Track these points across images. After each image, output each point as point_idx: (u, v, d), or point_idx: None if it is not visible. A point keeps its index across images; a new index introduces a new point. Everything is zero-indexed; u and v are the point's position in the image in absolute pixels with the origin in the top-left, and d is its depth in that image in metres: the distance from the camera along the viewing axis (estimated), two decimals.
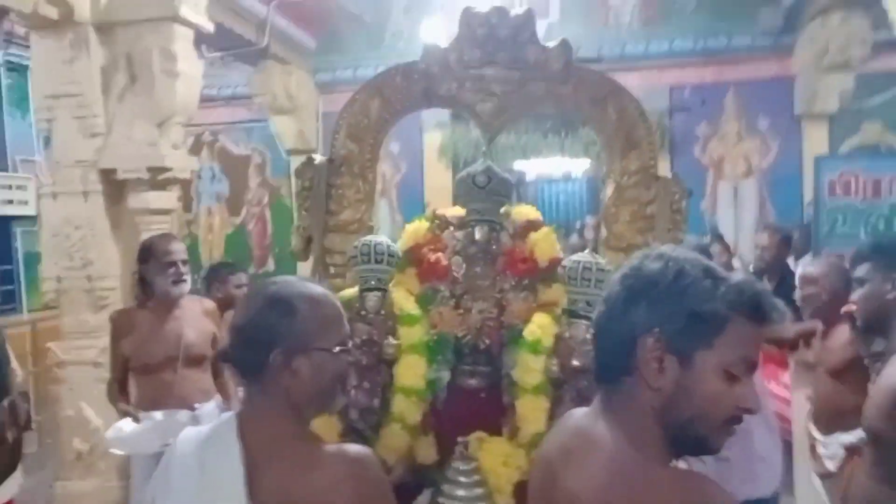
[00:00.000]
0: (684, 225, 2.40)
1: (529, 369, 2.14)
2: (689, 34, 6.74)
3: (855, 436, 2.50)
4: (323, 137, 7.46)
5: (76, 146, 4.13)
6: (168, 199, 4.31)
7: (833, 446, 2.67)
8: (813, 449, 2.86)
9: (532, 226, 2.46)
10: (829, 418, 2.75)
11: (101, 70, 4.17)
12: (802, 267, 3.01)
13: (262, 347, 1.25)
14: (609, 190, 2.48)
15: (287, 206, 7.67)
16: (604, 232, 2.54)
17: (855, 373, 2.58)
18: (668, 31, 6.80)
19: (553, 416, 2.11)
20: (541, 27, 7.21)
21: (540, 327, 2.18)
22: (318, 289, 1.34)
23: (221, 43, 5.96)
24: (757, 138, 6.83)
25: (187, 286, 3.22)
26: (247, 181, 7.77)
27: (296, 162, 7.50)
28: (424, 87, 2.54)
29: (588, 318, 2.11)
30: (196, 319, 3.23)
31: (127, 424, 3.00)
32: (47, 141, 6.19)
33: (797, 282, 2.93)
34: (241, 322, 1.29)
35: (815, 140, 6.63)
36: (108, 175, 4.13)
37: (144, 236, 4.16)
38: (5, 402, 0.92)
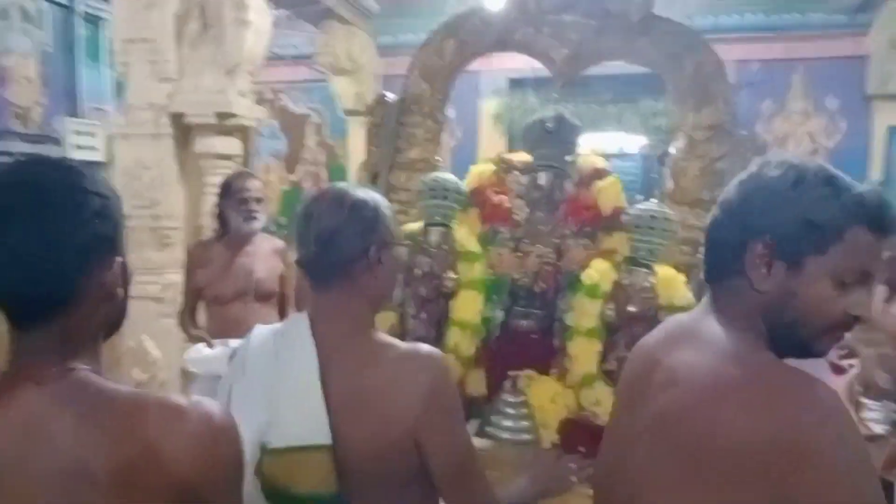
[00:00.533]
0: None
1: (585, 312, 2.17)
2: (760, 7, 6.54)
3: None
4: None
5: (149, 90, 4.29)
6: (232, 144, 4.44)
7: (883, 411, 2.64)
8: (856, 411, 2.83)
9: (598, 174, 2.47)
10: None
11: (175, 17, 4.30)
12: None
13: (357, 246, 1.32)
14: (679, 144, 2.45)
15: (342, 166, 7.79)
16: (670, 185, 2.53)
17: None
18: (738, 4, 6.61)
19: (605, 358, 2.15)
20: None
21: (598, 272, 2.20)
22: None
23: (286, 1, 6.07)
24: (824, 117, 6.63)
25: (259, 223, 3.34)
26: (304, 140, 7.91)
27: (353, 123, 7.63)
28: (501, 31, 2.56)
29: (648, 266, 2.17)
30: (267, 257, 3.37)
31: (204, 348, 3.16)
32: (120, 88, 6.45)
33: None
34: (332, 226, 1.32)
35: (886, 120, 6.39)
36: (177, 119, 4.29)
37: (208, 179, 4.34)
38: (119, 259, 1.00)
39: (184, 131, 4.36)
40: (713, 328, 1.10)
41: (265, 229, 8.05)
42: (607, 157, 10.98)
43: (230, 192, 3.25)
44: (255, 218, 3.27)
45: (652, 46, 2.44)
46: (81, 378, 0.93)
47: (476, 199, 2.49)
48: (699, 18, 6.59)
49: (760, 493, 0.92)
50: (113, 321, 1.03)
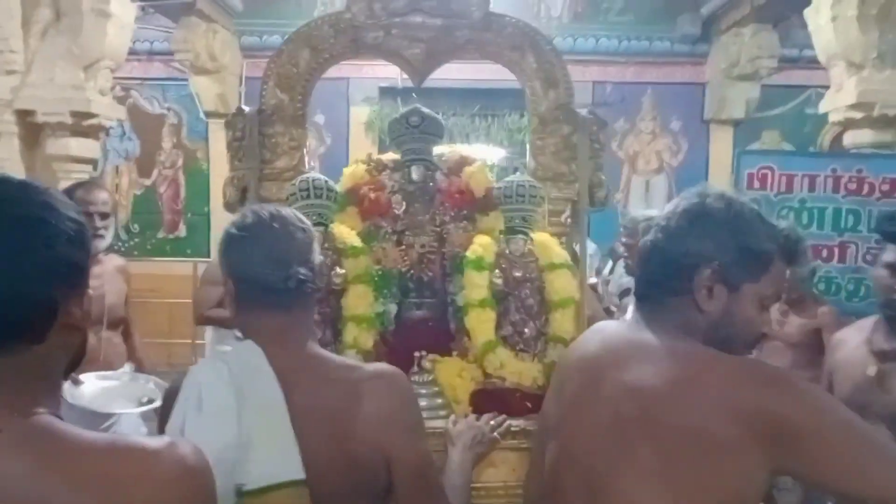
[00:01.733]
0: (602, 153, 2.58)
1: (475, 285, 2.25)
2: (614, 34, 7.04)
3: None
4: (245, 102, 7.23)
5: None
6: (90, 146, 4.09)
7: None
8: None
9: (465, 161, 2.60)
10: None
11: (21, 3, 3.88)
12: None
13: (313, 264, 1.34)
14: (534, 125, 2.66)
15: (203, 170, 7.39)
16: (531, 163, 2.72)
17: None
18: (594, 29, 7.07)
19: (500, 325, 2.26)
20: None
21: (481, 246, 2.31)
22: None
23: None
24: (669, 137, 7.25)
25: (106, 242, 3.00)
26: (160, 142, 7.40)
27: (214, 125, 7.27)
28: (353, 36, 2.63)
29: (524, 233, 2.33)
30: (113, 278, 3.08)
31: (72, 388, 2.78)
32: None
33: None
34: (286, 247, 1.30)
35: (721, 143, 7.13)
36: (24, 116, 3.87)
37: (62, 184, 3.94)
38: (90, 292, 0.90)
39: (31, 130, 3.94)
40: (659, 341, 1.19)
41: (114, 236, 7.46)
42: None
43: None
44: (101, 236, 2.91)
45: (496, 40, 2.64)
46: (44, 423, 0.84)
47: (352, 197, 2.51)
48: (559, 41, 6.96)
49: (748, 463, 1.06)
50: (75, 358, 0.94)
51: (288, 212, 1.37)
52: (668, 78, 7.18)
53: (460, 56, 2.81)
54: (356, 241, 2.33)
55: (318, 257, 1.37)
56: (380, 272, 2.34)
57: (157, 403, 2.53)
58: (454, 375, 2.19)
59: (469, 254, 2.28)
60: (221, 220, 4.80)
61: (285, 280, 1.27)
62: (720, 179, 6.73)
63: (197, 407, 1.21)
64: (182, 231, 7.40)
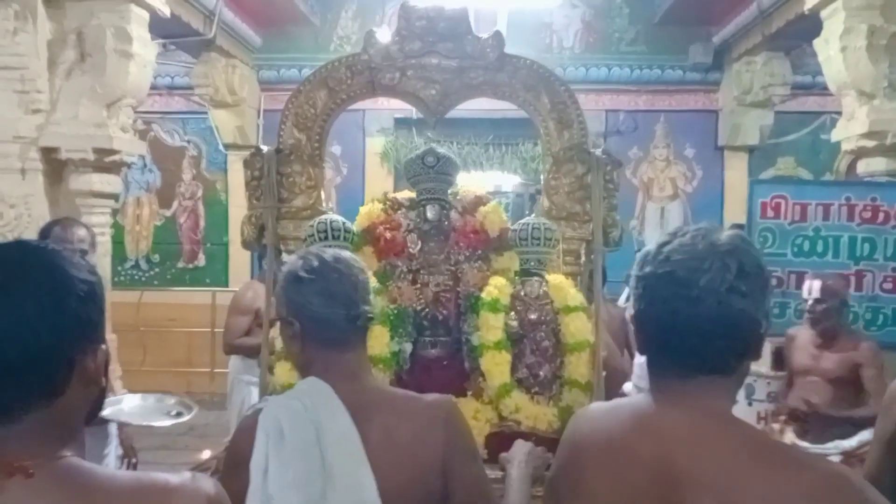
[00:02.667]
0: (616, 193, 2.63)
1: (490, 327, 2.27)
2: (626, 63, 7.10)
3: (856, 441, 2.99)
4: (263, 134, 7.36)
5: (16, 121, 3.95)
6: (112, 182, 4.18)
7: (823, 454, 2.90)
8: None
9: (480, 200, 2.63)
10: (825, 427, 3.10)
11: (48, 44, 4.01)
12: (819, 279, 3.24)
13: (370, 303, 1.43)
14: (547, 166, 2.67)
15: (222, 201, 7.51)
16: (545, 203, 2.73)
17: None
18: (606, 59, 7.14)
19: (515, 368, 2.27)
20: None
21: (497, 288, 2.34)
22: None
23: (166, 29, 5.82)
24: (683, 164, 7.26)
25: None
26: (180, 173, 7.55)
27: (233, 157, 7.41)
28: (369, 78, 2.67)
29: (540, 275, 2.36)
30: None
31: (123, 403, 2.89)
32: None
33: (810, 292, 3.21)
34: (350, 288, 1.38)
35: (736, 170, 7.13)
36: (49, 153, 3.98)
37: (85, 219, 4.04)
38: (104, 347, 0.94)
39: (55, 166, 4.04)
40: (726, 426, 1.02)
41: (135, 266, 7.55)
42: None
43: (62, 239, 2.83)
44: None
45: (510, 81, 2.65)
46: (71, 465, 0.88)
47: (368, 236, 2.56)
48: (571, 70, 7.05)
49: None
50: (94, 408, 0.98)
51: (346, 254, 1.46)
52: (680, 105, 7.22)
53: (474, 96, 2.85)
54: (373, 282, 2.32)
55: (373, 295, 1.48)
56: (395, 311, 2.38)
57: (186, 418, 2.87)
58: (469, 417, 2.15)
59: (485, 295, 2.31)
60: (240, 251, 4.87)
61: (355, 319, 1.37)
62: (736, 206, 6.72)
63: (279, 442, 1.25)
64: (201, 261, 7.50)
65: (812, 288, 3.22)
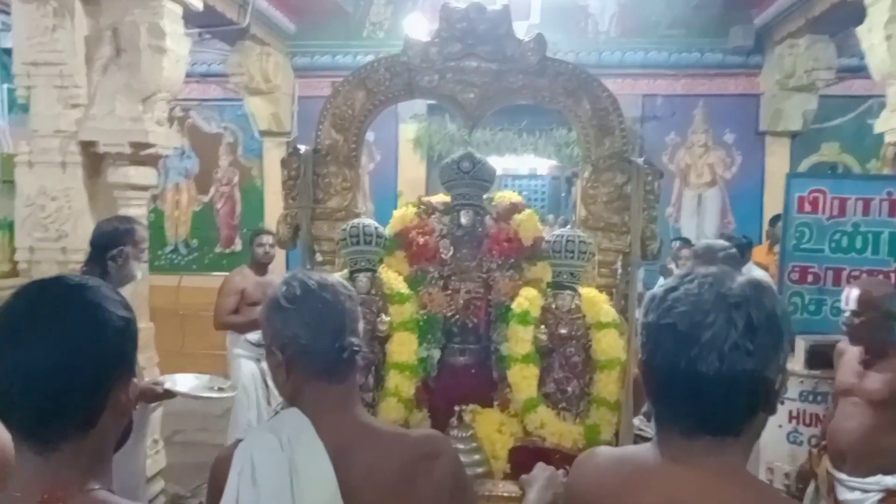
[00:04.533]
0: (656, 204, 2.55)
1: (519, 339, 2.25)
2: (664, 47, 6.94)
3: None
4: (298, 121, 7.42)
5: (56, 116, 4.05)
6: (148, 174, 4.27)
7: (862, 488, 2.66)
8: (831, 488, 2.75)
9: (515, 208, 2.58)
10: (866, 456, 2.66)
11: (85, 41, 4.09)
12: (857, 288, 2.75)
13: (362, 334, 1.35)
14: (586, 174, 2.60)
15: (258, 187, 7.62)
16: (582, 212, 2.66)
17: None
18: (643, 43, 6.98)
19: (543, 382, 2.25)
20: (521, 28, 7.34)
21: (527, 299, 2.30)
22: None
23: (201, 19, 5.88)
24: (722, 150, 7.09)
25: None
26: (217, 160, 7.67)
27: (269, 143, 7.49)
28: (407, 79, 2.63)
29: (572, 289, 2.31)
30: None
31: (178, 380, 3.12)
32: (12, 106, 6.02)
33: (847, 303, 2.75)
34: (341, 318, 1.31)
35: (777, 156, 6.94)
36: (87, 147, 4.08)
37: (122, 211, 4.14)
38: (135, 380, 0.99)
39: (94, 160, 4.14)
40: (745, 490, 0.98)
41: (175, 250, 7.75)
42: (519, 177, 11.35)
43: (134, 239, 3.06)
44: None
45: (550, 85, 2.58)
46: (101, 498, 0.92)
47: (401, 241, 2.54)
48: (607, 55, 6.92)
49: None
50: (122, 438, 1.03)
51: (334, 279, 1.37)
52: (720, 90, 7.03)
53: (514, 100, 2.77)
54: (403, 288, 2.38)
55: (361, 324, 1.37)
56: (425, 317, 2.38)
57: (231, 394, 3.40)
58: (494, 429, 2.18)
59: (515, 307, 2.28)
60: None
61: (340, 352, 1.28)
62: (776, 193, 6.54)
63: (251, 481, 1.22)
64: (238, 246, 7.63)
65: (849, 298, 2.75)
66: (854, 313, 2.72)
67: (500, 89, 2.57)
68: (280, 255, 7.09)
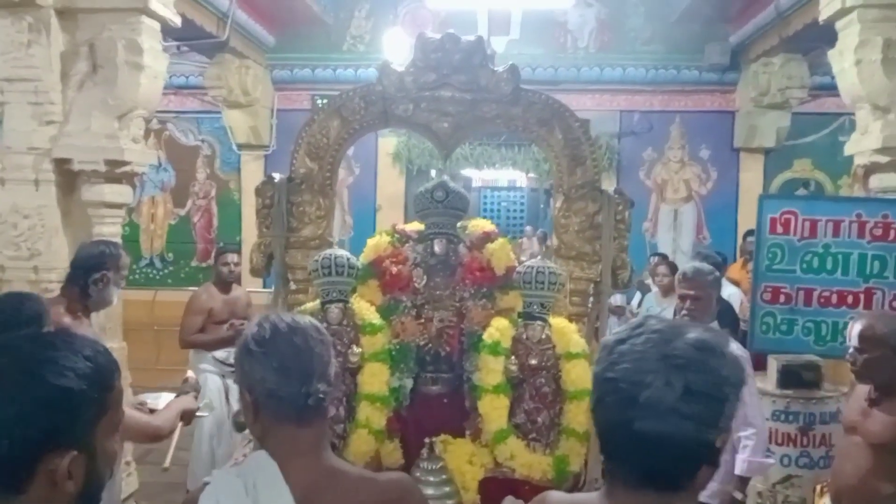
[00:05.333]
0: (627, 234, 2.59)
1: (490, 370, 2.27)
2: (641, 64, 7.03)
3: None
4: (277, 134, 7.40)
5: (30, 133, 3.99)
6: (123, 192, 4.22)
7: None
8: None
9: (488, 237, 2.61)
10: (864, 500, 2.42)
11: (61, 56, 4.05)
12: (860, 323, 2.49)
13: (332, 377, 1.34)
14: (558, 203, 2.63)
15: (235, 200, 7.57)
16: (554, 241, 2.69)
17: None
18: (621, 59, 7.07)
19: (513, 412, 2.27)
20: (501, 43, 7.35)
21: (498, 330, 2.33)
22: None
23: (179, 32, 5.84)
24: (698, 166, 7.19)
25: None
26: (194, 172, 7.61)
27: (247, 157, 7.46)
28: (382, 108, 2.65)
29: (543, 319, 2.33)
30: None
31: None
32: None
33: (852, 339, 2.49)
34: (311, 360, 1.30)
35: (752, 172, 7.05)
36: (61, 165, 4.02)
37: (97, 230, 4.10)
38: (73, 453, 0.94)
39: (68, 177, 4.09)
40: None
41: (150, 264, 7.65)
42: (498, 189, 11.41)
43: (118, 265, 3.07)
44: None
45: (524, 115, 2.61)
46: None
47: (374, 270, 2.56)
48: (586, 70, 7.00)
49: None
50: (90, 499, 1.00)
51: (306, 322, 1.36)
52: (696, 106, 7.14)
53: (487, 130, 2.79)
54: (375, 319, 2.38)
55: (333, 368, 1.36)
56: (398, 346, 2.39)
57: (207, 414, 3.17)
58: (465, 461, 2.20)
59: (486, 337, 2.30)
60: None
61: (306, 397, 1.27)
62: (751, 208, 6.63)
63: None
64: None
65: (851, 334, 2.49)
66: (858, 350, 2.46)
67: (474, 118, 2.60)
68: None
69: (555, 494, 1.23)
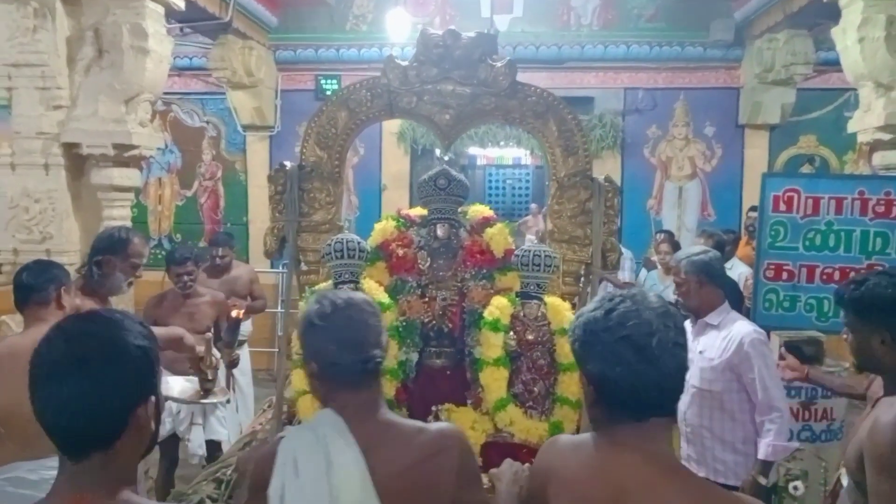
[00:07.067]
0: (616, 219, 2.82)
1: (490, 345, 2.46)
2: (645, 41, 6.99)
3: None
4: (281, 115, 7.42)
5: (38, 117, 4.05)
6: (132, 175, 4.28)
7: None
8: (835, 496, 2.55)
9: (487, 222, 2.80)
10: None
11: (67, 41, 4.08)
12: None
13: (375, 352, 1.48)
14: (552, 190, 2.79)
15: (241, 181, 7.61)
16: (549, 225, 2.85)
17: None
18: (625, 36, 7.03)
19: (512, 383, 2.46)
20: (504, 21, 7.34)
21: (498, 308, 2.51)
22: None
23: (183, 14, 5.85)
24: (702, 143, 7.18)
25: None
26: (200, 154, 7.65)
27: (252, 137, 7.48)
28: (387, 101, 2.83)
29: (539, 298, 2.51)
30: None
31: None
32: None
33: None
34: (365, 331, 1.47)
35: (757, 148, 7.04)
36: (70, 149, 4.08)
37: (106, 213, 4.16)
38: (153, 398, 1.14)
39: (77, 161, 4.15)
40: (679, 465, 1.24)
41: (158, 245, 7.73)
42: (503, 167, 11.41)
43: (126, 251, 3.03)
44: (132, 283, 3.16)
45: (520, 107, 2.79)
46: (124, 499, 1.09)
47: (382, 253, 2.75)
48: (590, 48, 6.96)
49: None
50: (146, 448, 1.16)
51: (359, 298, 1.54)
52: (701, 83, 7.11)
53: (486, 121, 2.95)
54: (384, 298, 2.55)
55: (385, 336, 1.53)
56: (404, 323, 2.56)
57: (223, 398, 3.14)
58: (467, 427, 2.34)
59: (486, 315, 2.47)
60: (260, 230, 5.14)
61: (364, 363, 1.45)
62: (755, 185, 6.63)
63: (294, 472, 1.41)
64: None
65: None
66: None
67: (474, 111, 2.77)
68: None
69: (563, 436, 1.42)
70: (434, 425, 1.56)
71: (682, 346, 1.21)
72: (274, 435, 2.36)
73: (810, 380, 3.09)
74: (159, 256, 7.69)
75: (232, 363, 3.81)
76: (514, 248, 2.68)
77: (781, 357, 3.87)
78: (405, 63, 2.75)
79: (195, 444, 4.03)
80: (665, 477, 1.17)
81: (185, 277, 4.00)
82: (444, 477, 1.44)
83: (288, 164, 2.85)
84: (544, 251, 2.51)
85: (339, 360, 1.44)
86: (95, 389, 1.04)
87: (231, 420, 4.24)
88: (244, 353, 4.74)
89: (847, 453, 2.01)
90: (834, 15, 4.24)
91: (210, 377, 2.95)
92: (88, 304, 3.04)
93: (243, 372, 4.68)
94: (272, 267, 6.99)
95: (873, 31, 3.65)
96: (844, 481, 2.21)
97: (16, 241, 4.09)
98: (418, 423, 1.57)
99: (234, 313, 3.54)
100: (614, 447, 1.22)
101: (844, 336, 2.11)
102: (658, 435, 1.22)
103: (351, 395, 1.46)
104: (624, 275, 5.94)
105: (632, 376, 1.17)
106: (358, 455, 1.39)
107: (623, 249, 5.91)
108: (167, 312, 3.97)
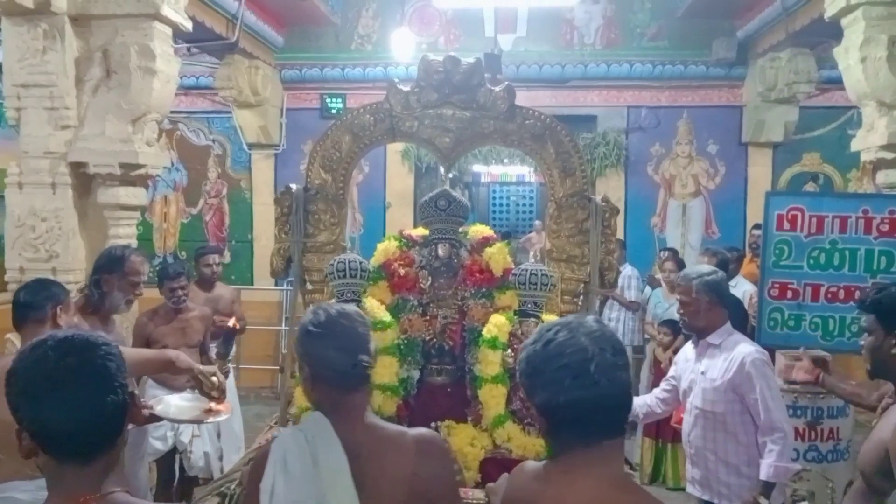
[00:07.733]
0: (613, 238, 2.88)
1: (489, 362, 2.52)
2: (648, 59, 7.04)
3: None
4: (286, 133, 7.47)
5: (46, 137, 4.08)
6: (138, 194, 4.31)
7: None
8: None
9: (486, 241, 2.88)
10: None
11: (75, 62, 4.13)
12: None
13: (363, 357, 1.60)
14: (550, 210, 2.84)
15: (246, 199, 7.65)
16: (548, 244, 2.92)
17: None
18: (628, 55, 7.08)
19: (510, 400, 2.50)
20: (507, 41, 7.40)
21: (496, 326, 2.57)
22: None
23: (190, 34, 5.92)
24: (706, 161, 7.20)
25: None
26: (206, 172, 7.70)
27: (257, 156, 7.54)
28: (390, 125, 2.93)
29: (536, 316, 2.56)
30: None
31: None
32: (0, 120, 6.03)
33: None
34: (351, 344, 1.58)
35: (760, 166, 7.06)
36: (77, 168, 4.11)
37: (112, 231, 4.18)
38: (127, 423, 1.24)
39: (84, 181, 4.18)
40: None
41: (163, 262, 7.79)
42: (507, 184, 11.47)
43: (123, 270, 3.08)
44: (132, 302, 3.21)
45: (519, 130, 2.86)
46: (122, 500, 1.18)
47: (384, 272, 2.81)
48: (593, 67, 7.02)
49: None
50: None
51: (351, 309, 1.70)
52: (704, 101, 7.15)
53: (485, 144, 3.02)
54: (385, 316, 2.61)
55: (373, 344, 1.65)
56: (405, 340, 2.62)
57: (223, 417, 2.94)
58: (466, 443, 2.39)
59: (485, 333, 2.52)
60: (264, 248, 5.26)
61: (353, 367, 1.57)
62: (759, 203, 6.63)
63: (283, 469, 1.53)
64: (227, 258, 7.64)
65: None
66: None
67: (474, 134, 2.85)
68: (269, 255, 7.15)
69: (530, 463, 1.50)
70: (415, 429, 1.67)
71: (622, 367, 1.25)
72: None
73: (821, 383, 3.17)
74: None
75: (224, 375, 3.84)
76: (512, 267, 2.73)
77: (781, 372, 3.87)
78: (407, 88, 2.85)
79: (196, 456, 4.06)
80: (615, 498, 1.22)
81: (180, 292, 4.07)
82: (422, 478, 1.54)
83: (294, 186, 2.93)
84: (541, 270, 2.57)
85: (330, 362, 1.56)
86: (97, 390, 1.13)
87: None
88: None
89: (862, 455, 2.04)
90: (836, 34, 4.26)
91: (216, 395, 2.95)
92: (86, 324, 3.06)
93: (229, 388, 4.70)
94: (276, 285, 7.00)
95: (875, 51, 3.66)
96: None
97: (22, 259, 4.11)
98: (400, 428, 1.70)
99: (230, 323, 3.56)
100: (566, 475, 1.27)
101: (862, 342, 2.17)
102: (609, 456, 1.26)
103: (341, 397, 1.57)
104: (630, 293, 5.94)
105: (575, 403, 1.21)
106: (342, 455, 1.50)
107: (629, 268, 5.98)
108: (159, 327, 4.03)
